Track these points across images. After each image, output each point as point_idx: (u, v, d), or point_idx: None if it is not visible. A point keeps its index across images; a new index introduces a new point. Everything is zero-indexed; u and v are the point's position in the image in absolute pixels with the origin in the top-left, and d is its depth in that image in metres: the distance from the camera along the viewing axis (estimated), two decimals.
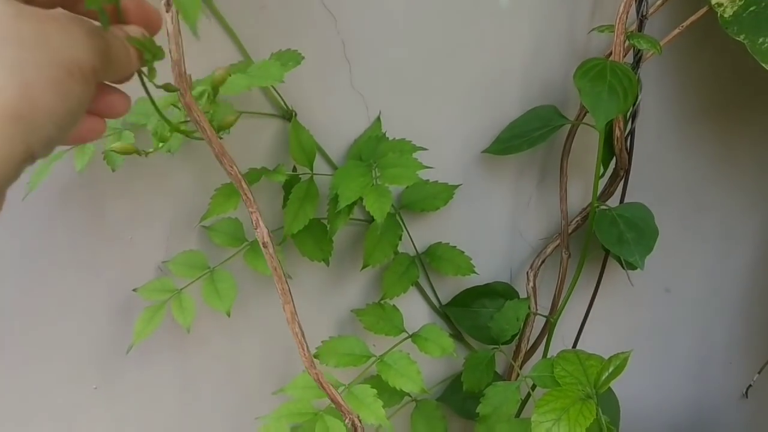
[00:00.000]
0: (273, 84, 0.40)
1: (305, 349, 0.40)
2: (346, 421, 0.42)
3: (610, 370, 0.47)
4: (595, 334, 0.63)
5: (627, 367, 0.47)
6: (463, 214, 0.59)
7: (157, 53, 0.29)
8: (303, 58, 0.45)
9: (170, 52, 0.34)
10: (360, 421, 0.43)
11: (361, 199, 0.48)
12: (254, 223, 0.37)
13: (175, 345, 0.54)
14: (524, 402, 0.57)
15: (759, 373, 0.74)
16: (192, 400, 0.57)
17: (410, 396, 0.58)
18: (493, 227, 0.61)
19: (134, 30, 0.28)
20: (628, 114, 0.55)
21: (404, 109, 0.55)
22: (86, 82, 0.25)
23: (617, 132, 0.53)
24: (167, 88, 0.33)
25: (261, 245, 0.38)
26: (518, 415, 0.55)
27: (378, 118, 0.54)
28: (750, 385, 0.74)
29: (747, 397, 0.74)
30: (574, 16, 0.56)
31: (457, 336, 0.61)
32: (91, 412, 0.54)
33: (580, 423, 0.45)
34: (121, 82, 0.28)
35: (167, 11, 0.34)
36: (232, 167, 0.36)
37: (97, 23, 0.26)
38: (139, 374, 0.54)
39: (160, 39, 0.30)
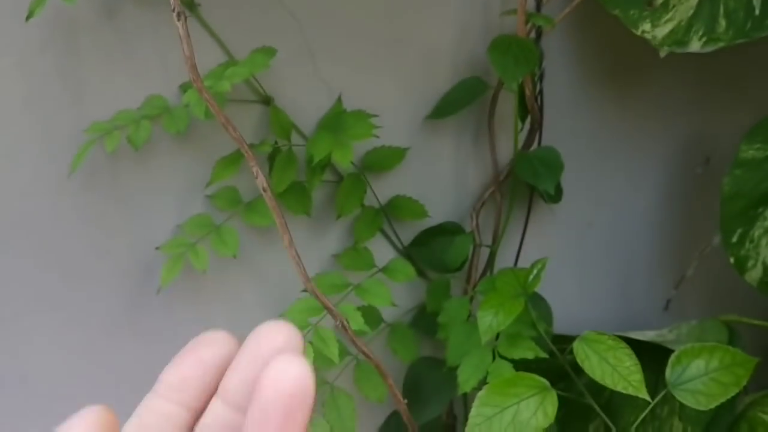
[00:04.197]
0: (263, 70, 0.53)
1: (302, 268, 0.53)
2: (336, 322, 0.55)
3: (534, 272, 0.61)
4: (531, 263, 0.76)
5: (546, 271, 0.61)
6: (416, 171, 0.73)
7: None
8: (276, 51, 0.58)
9: (183, 51, 0.47)
10: (348, 323, 0.56)
11: (330, 162, 0.63)
12: (255, 173, 0.49)
13: (193, 291, 0.67)
14: None
15: (675, 288, 0.88)
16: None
17: (385, 322, 0.71)
18: (440, 180, 0.74)
19: None
20: (536, 77, 0.69)
21: (359, 90, 0.68)
22: None
23: (528, 92, 0.67)
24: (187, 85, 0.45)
25: (261, 190, 0.50)
26: None
27: (339, 98, 0.67)
28: (669, 300, 0.89)
29: (667, 309, 0.89)
30: (488, 4, 0.71)
31: (419, 272, 0.74)
32: (124, 350, 0.67)
33: (512, 313, 0.58)
34: None
35: (178, 20, 0.46)
36: (235, 131, 0.49)
37: None
38: (165, 317, 0.67)
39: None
